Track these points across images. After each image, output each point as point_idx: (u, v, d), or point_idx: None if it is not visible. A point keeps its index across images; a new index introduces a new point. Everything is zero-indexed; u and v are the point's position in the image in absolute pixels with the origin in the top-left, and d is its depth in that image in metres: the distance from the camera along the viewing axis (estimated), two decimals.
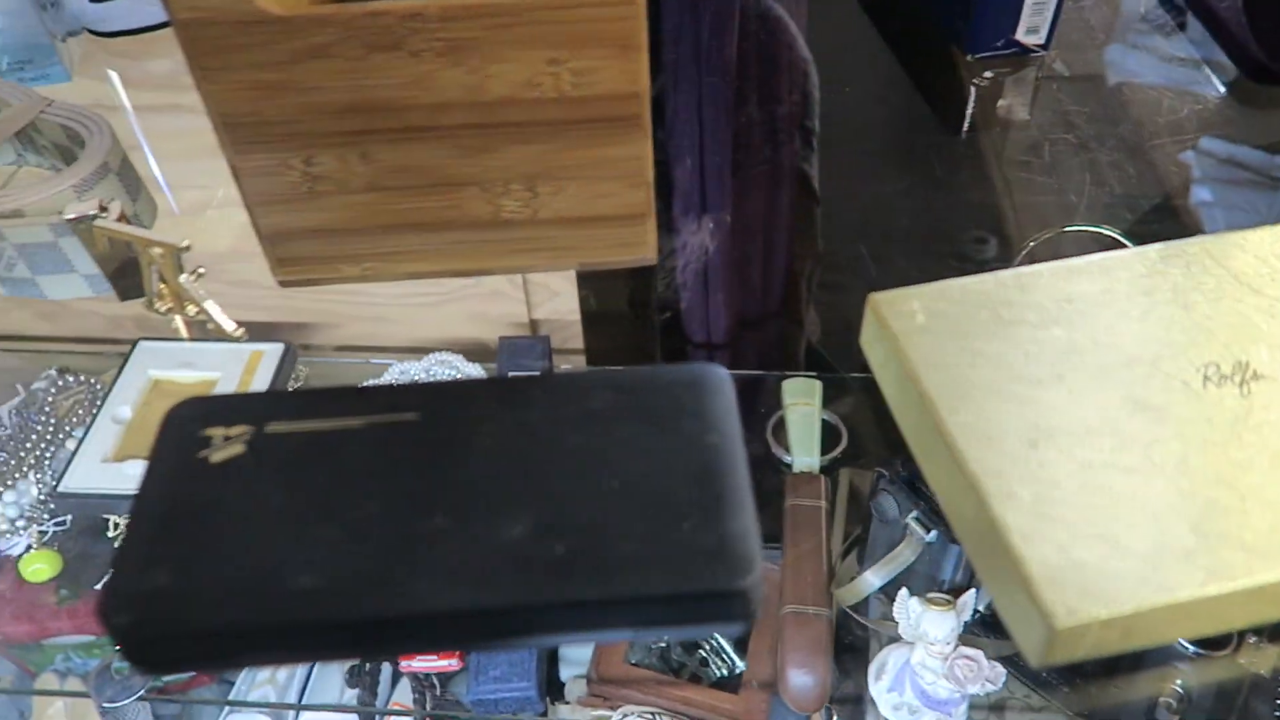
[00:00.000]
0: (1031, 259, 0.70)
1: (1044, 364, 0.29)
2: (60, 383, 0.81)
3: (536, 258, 0.36)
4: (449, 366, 0.83)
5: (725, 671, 0.87)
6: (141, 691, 0.63)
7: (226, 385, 0.80)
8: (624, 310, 0.99)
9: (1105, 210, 0.77)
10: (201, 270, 0.33)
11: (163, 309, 0.32)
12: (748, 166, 0.63)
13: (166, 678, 0.70)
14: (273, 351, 0.83)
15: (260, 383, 0.81)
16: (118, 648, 0.25)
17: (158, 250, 0.31)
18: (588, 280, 0.88)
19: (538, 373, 0.84)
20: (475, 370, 0.83)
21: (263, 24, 0.27)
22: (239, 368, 0.81)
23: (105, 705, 0.65)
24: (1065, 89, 0.62)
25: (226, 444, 0.28)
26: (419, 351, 0.87)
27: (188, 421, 0.29)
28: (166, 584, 0.25)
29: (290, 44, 0.29)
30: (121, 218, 0.32)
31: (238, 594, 0.25)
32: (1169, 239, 0.35)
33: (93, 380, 0.83)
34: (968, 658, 0.56)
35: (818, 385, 0.77)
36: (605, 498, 0.27)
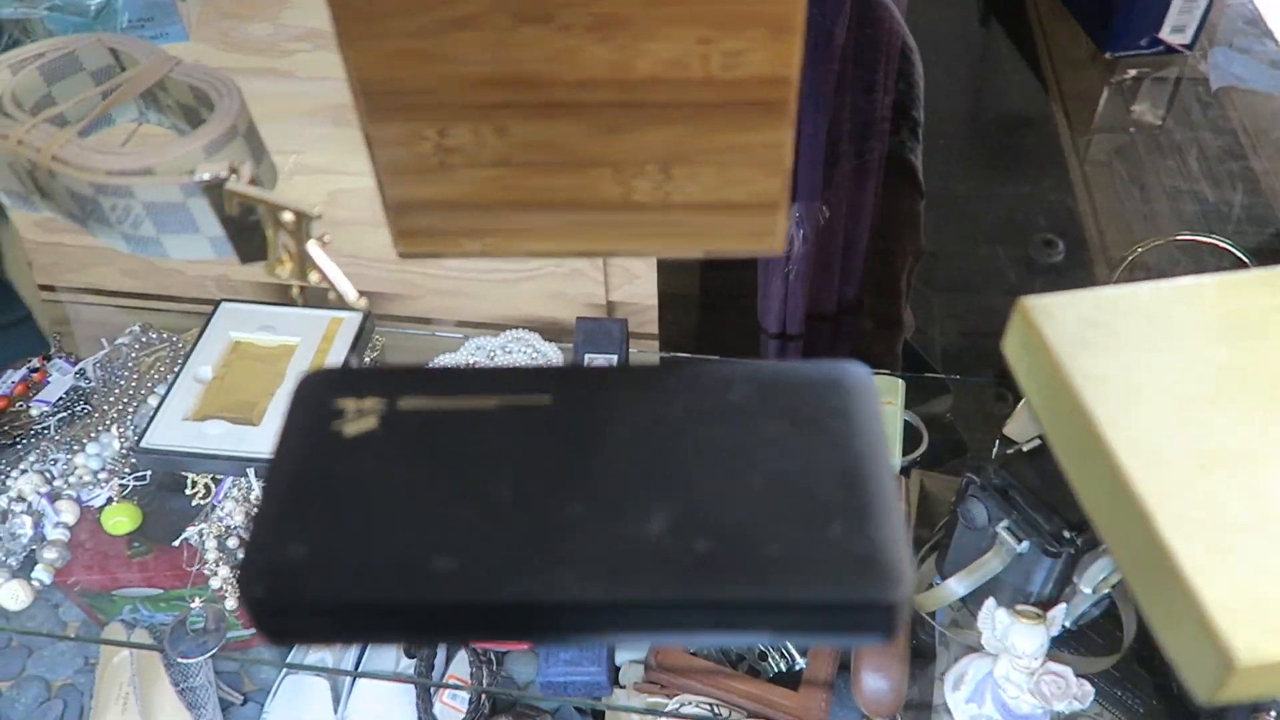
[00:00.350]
0: (1134, 268, 0.68)
1: (1208, 383, 0.28)
2: (144, 339, 0.83)
3: (661, 242, 0.35)
4: (525, 344, 0.83)
5: (784, 667, 0.86)
6: (215, 650, 0.64)
7: (306, 350, 0.81)
8: (699, 296, 0.98)
9: (1230, 223, 0.74)
10: (327, 238, 0.32)
11: (284, 274, 0.32)
12: (848, 156, 0.62)
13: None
14: (351, 320, 0.83)
15: (338, 349, 0.81)
16: (252, 620, 0.25)
17: (288, 216, 0.31)
18: (664, 264, 0.87)
19: (657, 361, 0.83)
20: (551, 349, 0.83)
21: None
22: (318, 334, 0.82)
23: (178, 660, 0.66)
24: (1204, 92, 0.60)
25: (360, 417, 0.28)
26: (495, 328, 0.86)
27: (320, 391, 0.28)
28: (303, 557, 0.25)
29: (439, 13, 0.28)
30: (252, 181, 0.32)
31: (375, 571, 0.25)
32: None
33: (174, 338, 0.84)
34: (1056, 674, 0.55)
35: (900, 384, 0.76)
36: (748, 496, 0.26)
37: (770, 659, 0.86)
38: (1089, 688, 0.55)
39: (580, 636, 0.25)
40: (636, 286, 0.86)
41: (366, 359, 0.82)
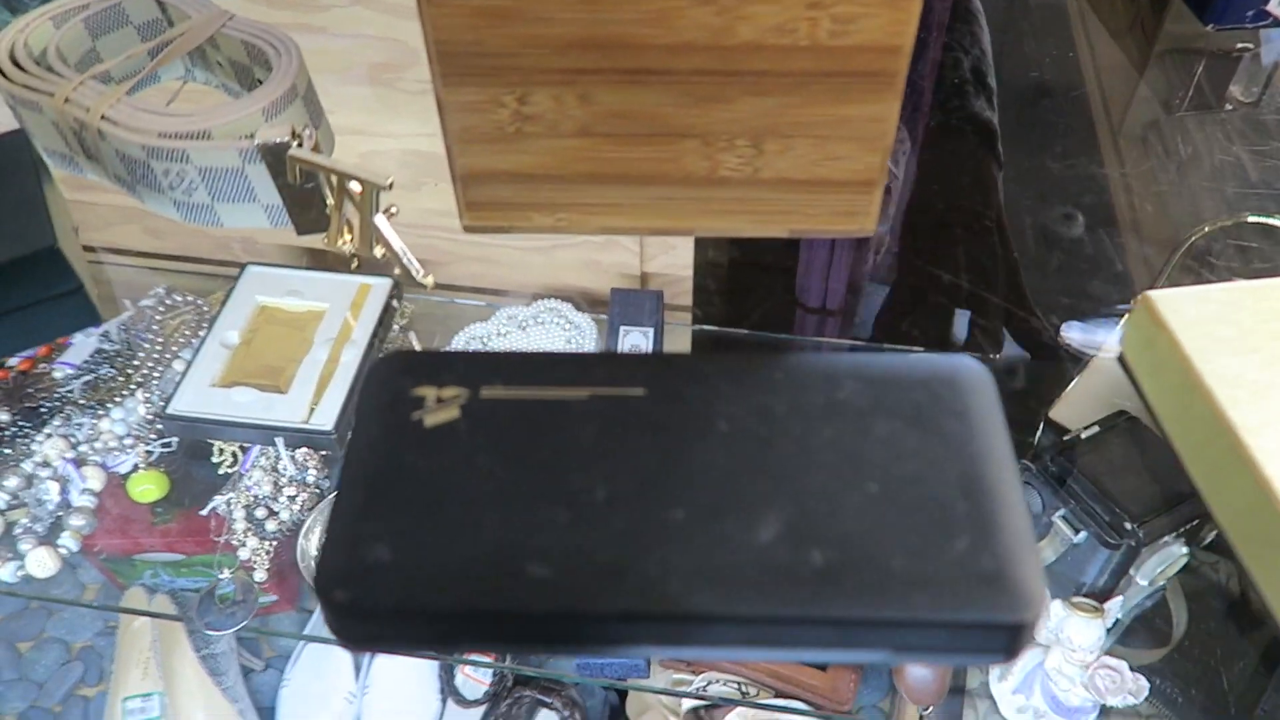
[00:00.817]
0: (1195, 250, 0.65)
1: None
2: (169, 301, 0.80)
3: (747, 220, 0.33)
4: (558, 314, 0.81)
5: None
6: (245, 621, 0.63)
7: (335, 316, 0.79)
8: (733, 268, 0.96)
9: None
10: (395, 210, 0.30)
11: (348, 248, 0.30)
12: (918, 119, 0.59)
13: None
14: (380, 286, 0.81)
15: (368, 316, 0.79)
16: (330, 625, 0.23)
17: (355, 186, 0.28)
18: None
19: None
20: (585, 320, 0.81)
21: None
22: (347, 299, 0.80)
23: (207, 632, 0.65)
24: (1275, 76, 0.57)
25: (440, 406, 0.26)
26: (526, 297, 0.84)
27: (396, 378, 0.27)
28: (387, 560, 0.23)
29: None
30: (316, 147, 0.30)
31: (466, 577, 0.23)
32: None
33: (200, 302, 0.82)
34: (1110, 668, 0.53)
35: None
36: (864, 503, 0.24)
37: None
38: (1144, 682, 0.54)
39: (686, 650, 0.23)
40: (673, 257, 0.84)
41: (396, 328, 0.81)
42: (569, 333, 0.79)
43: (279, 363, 0.77)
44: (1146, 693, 0.54)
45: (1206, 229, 0.63)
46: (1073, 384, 0.72)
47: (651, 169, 0.32)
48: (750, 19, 0.28)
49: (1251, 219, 0.62)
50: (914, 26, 0.28)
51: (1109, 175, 0.93)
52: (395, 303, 0.79)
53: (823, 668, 0.83)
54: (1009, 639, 0.23)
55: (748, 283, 0.93)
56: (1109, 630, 0.56)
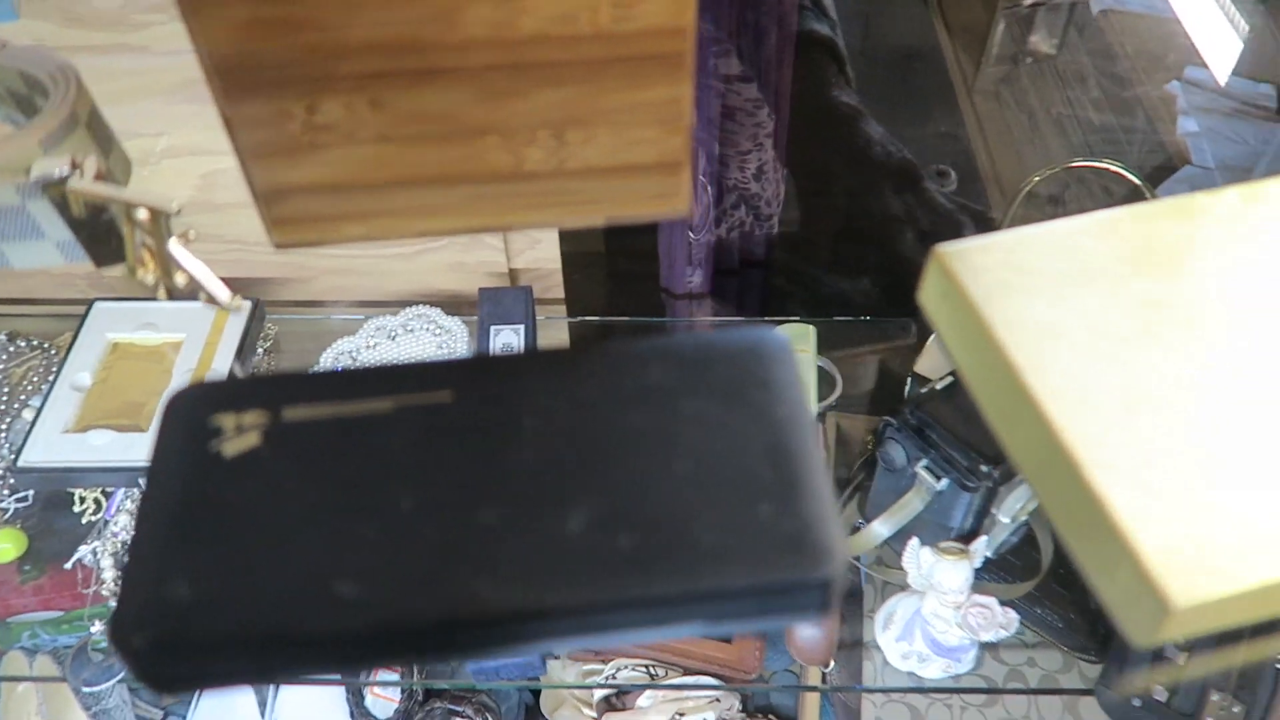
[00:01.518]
0: (1030, 198, 0.68)
1: (1133, 319, 0.27)
2: (11, 348, 0.76)
3: (561, 212, 0.33)
4: (427, 320, 0.80)
5: None
6: (122, 674, 0.60)
7: (193, 346, 0.76)
8: (605, 257, 0.96)
9: (1118, 146, 0.75)
10: (192, 234, 0.29)
11: (148, 278, 0.29)
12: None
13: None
14: (240, 310, 0.79)
15: (229, 342, 0.77)
16: (134, 671, 0.22)
17: (143, 214, 0.27)
18: (566, 229, 0.84)
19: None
20: (455, 323, 0.80)
21: None
22: (205, 327, 0.77)
23: (83, 689, 0.62)
24: (1095, 23, 0.60)
25: (240, 434, 0.25)
26: (394, 305, 0.83)
27: (193, 409, 0.26)
28: (187, 596, 0.22)
29: None
30: (99, 175, 0.28)
31: (268, 603, 0.22)
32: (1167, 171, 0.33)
33: (47, 345, 0.78)
34: (981, 605, 0.56)
35: (812, 331, 0.76)
36: (672, 482, 0.24)
37: None
38: (1014, 614, 0.56)
39: (508, 649, 0.23)
40: (539, 251, 0.84)
41: (259, 351, 0.78)
42: (440, 338, 0.78)
43: (138, 399, 0.74)
44: (1016, 624, 0.57)
45: (1036, 178, 0.66)
46: (931, 337, 0.74)
47: (456, 168, 0.32)
48: (532, 10, 0.28)
49: (1075, 163, 0.65)
50: (693, 7, 0.28)
51: (969, 132, 0.97)
52: (257, 325, 0.77)
53: (728, 639, 0.84)
54: (817, 596, 0.23)
55: (617, 271, 0.93)
56: (977, 569, 0.59)
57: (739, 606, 0.24)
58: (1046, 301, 0.28)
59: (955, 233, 0.87)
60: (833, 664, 0.67)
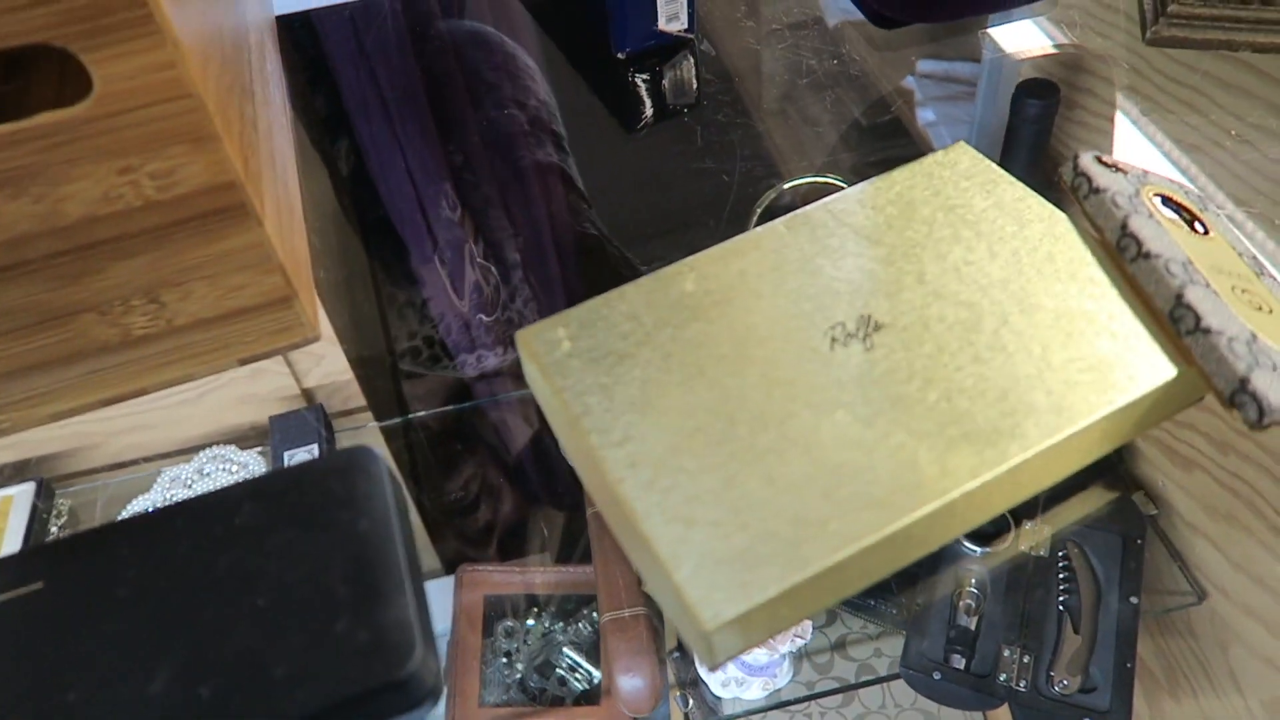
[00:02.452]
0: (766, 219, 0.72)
1: (687, 363, 0.30)
2: None
3: (192, 365, 0.34)
4: (223, 461, 0.79)
5: (585, 685, 0.87)
6: None
7: None
8: (392, 358, 0.97)
9: (833, 159, 0.80)
10: None
11: None
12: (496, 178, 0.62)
13: None
14: (23, 493, 0.77)
15: (16, 526, 0.75)
16: None
17: None
18: (348, 336, 0.85)
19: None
20: (252, 458, 0.79)
21: None
22: None
23: None
24: (719, 66, 0.64)
25: None
26: (191, 451, 0.82)
27: None
28: None
29: None
30: None
31: None
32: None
33: None
34: None
35: None
36: (254, 621, 0.25)
37: (570, 682, 0.86)
38: (807, 623, 0.59)
39: None
40: (325, 366, 0.84)
41: (54, 529, 0.76)
42: (238, 474, 0.77)
43: None
44: (811, 630, 0.59)
45: (759, 210, 0.70)
46: None
47: (65, 349, 0.33)
48: (72, 198, 0.29)
49: (818, 179, 0.69)
50: (234, 162, 0.30)
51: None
52: (44, 504, 0.75)
53: (596, 702, 0.84)
54: (406, 694, 0.25)
55: (414, 367, 0.94)
56: None
57: None
58: (610, 364, 0.30)
59: None
60: (690, 702, 0.68)
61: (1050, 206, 0.33)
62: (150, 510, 0.29)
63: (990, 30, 0.79)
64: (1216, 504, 0.60)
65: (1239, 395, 0.27)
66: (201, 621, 0.25)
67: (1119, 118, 0.59)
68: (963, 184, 0.34)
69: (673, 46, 0.51)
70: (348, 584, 0.26)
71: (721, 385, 0.29)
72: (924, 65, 1.14)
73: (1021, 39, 0.75)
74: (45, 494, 0.75)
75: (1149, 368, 0.28)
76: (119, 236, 0.31)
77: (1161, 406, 0.29)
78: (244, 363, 0.35)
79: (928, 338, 0.30)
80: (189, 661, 0.25)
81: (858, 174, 0.85)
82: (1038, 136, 0.61)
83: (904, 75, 1.11)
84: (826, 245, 0.33)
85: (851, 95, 0.95)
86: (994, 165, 0.35)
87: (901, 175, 0.35)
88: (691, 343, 0.30)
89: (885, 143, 1.03)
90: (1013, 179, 0.34)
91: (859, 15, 0.68)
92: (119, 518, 0.68)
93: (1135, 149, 0.54)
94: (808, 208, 0.35)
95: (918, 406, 0.28)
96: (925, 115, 1.09)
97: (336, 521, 0.27)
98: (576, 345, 0.31)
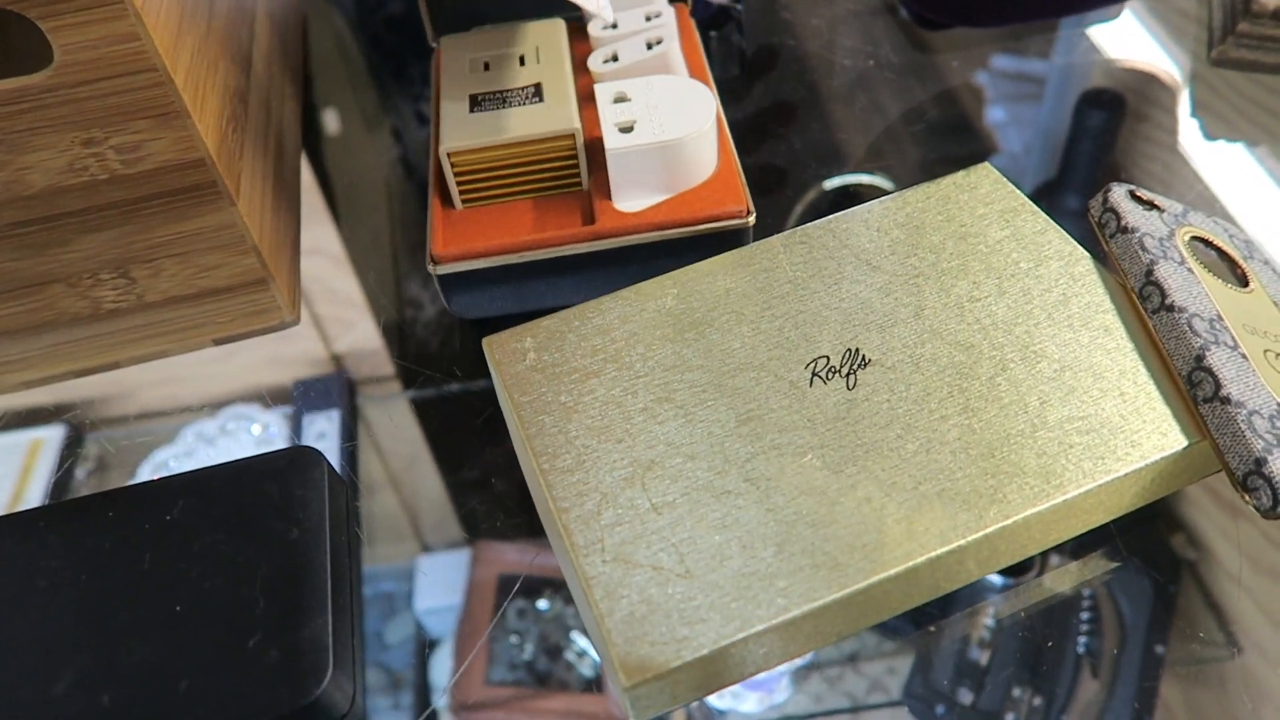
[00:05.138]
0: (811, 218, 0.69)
1: (654, 387, 0.28)
2: None
3: (164, 342, 0.34)
4: (245, 419, 0.79)
5: (593, 671, 0.86)
6: None
7: (4, 484, 0.75)
8: (427, 316, 0.96)
9: (883, 158, 0.77)
10: None
11: None
12: None
13: None
14: (53, 437, 0.78)
15: (43, 472, 0.76)
16: None
17: None
18: (379, 298, 0.85)
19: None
20: (274, 419, 0.80)
21: None
22: (17, 463, 0.76)
23: None
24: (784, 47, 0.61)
25: None
26: (218, 407, 0.82)
27: None
28: None
29: None
30: None
31: None
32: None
33: None
34: None
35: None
36: (167, 627, 0.24)
37: (577, 667, 0.86)
38: None
39: None
40: (356, 332, 0.84)
41: (81, 474, 0.77)
42: (259, 434, 0.78)
43: None
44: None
45: (799, 209, 0.67)
46: None
47: (32, 319, 0.33)
48: (35, 167, 0.28)
49: (863, 179, 0.66)
50: (203, 140, 0.29)
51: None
52: (69, 451, 0.77)
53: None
54: (318, 716, 0.24)
55: (446, 329, 0.93)
56: None
57: None
58: (572, 382, 0.28)
59: None
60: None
61: (1073, 243, 0.30)
62: (86, 495, 0.28)
63: (1066, 32, 0.74)
64: (1261, 558, 0.56)
65: (1252, 478, 0.24)
66: (117, 623, 0.25)
67: (1185, 140, 0.55)
68: (980, 210, 0.32)
69: (715, 19, 0.48)
70: (268, 597, 0.25)
71: (688, 415, 0.27)
72: (999, 61, 1.08)
73: (1099, 44, 0.70)
74: (74, 440, 0.77)
75: (1155, 436, 0.25)
76: (85, 209, 0.30)
77: (1167, 480, 0.26)
78: (219, 343, 0.34)
79: (916, 380, 0.27)
80: (96, 664, 0.24)
81: (923, 170, 0.81)
82: (1098, 151, 0.57)
83: (976, 70, 1.06)
84: (823, 268, 0.31)
85: (919, 88, 0.91)
86: (1017, 192, 0.32)
87: (915, 196, 0.33)
88: (662, 365, 0.28)
89: (947, 140, 0.99)
90: (1035, 208, 0.31)
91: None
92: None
93: (1201, 176, 0.50)
94: (808, 225, 0.33)
95: (893, 456, 0.26)
96: (994, 114, 1.05)
97: (268, 528, 0.26)
98: (541, 358, 0.29)
